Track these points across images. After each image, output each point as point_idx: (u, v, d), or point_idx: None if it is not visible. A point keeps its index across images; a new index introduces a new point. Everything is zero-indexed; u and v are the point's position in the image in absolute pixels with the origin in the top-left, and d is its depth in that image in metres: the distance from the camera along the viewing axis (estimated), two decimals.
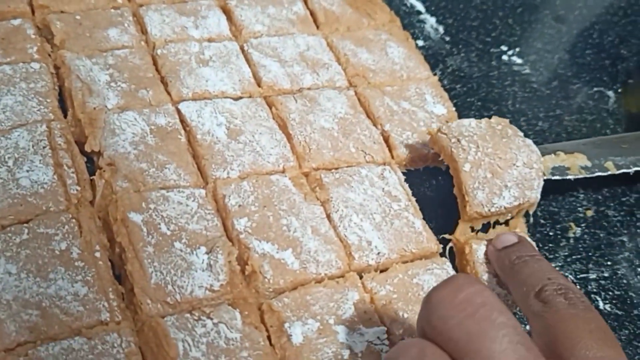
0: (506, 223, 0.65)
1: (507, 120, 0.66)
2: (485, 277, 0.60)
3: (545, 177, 0.65)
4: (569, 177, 0.67)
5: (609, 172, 0.69)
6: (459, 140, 0.62)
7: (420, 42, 0.83)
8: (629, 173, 0.69)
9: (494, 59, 0.84)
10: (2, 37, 0.65)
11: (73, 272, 0.52)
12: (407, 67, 0.76)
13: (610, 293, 0.65)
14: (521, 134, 0.65)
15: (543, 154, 0.66)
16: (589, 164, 0.69)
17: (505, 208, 0.61)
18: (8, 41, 0.65)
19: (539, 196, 0.63)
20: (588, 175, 0.68)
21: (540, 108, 0.80)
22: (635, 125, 0.80)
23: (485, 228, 0.64)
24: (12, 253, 0.52)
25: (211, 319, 0.52)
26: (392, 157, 0.68)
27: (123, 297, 0.54)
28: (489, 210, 0.61)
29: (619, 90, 0.84)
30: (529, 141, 0.65)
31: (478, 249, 0.62)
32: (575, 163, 0.68)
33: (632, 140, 0.74)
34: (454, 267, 0.62)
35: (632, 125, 0.80)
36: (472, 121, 0.64)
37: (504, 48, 0.85)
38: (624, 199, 0.73)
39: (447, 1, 0.89)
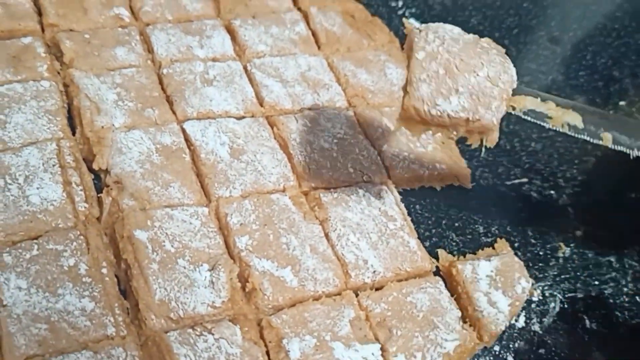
0: (492, 246, 0.67)
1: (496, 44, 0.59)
2: (476, 295, 0.63)
3: (515, 112, 0.58)
4: (544, 124, 0.60)
5: (602, 143, 0.61)
6: (426, 33, 0.55)
7: None
8: (627, 155, 0.61)
9: None
10: (13, 55, 0.67)
11: (81, 288, 0.54)
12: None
13: (597, 312, 0.67)
14: (503, 51, 0.58)
15: (531, 95, 0.60)
16: (580, 126, 0.60)
17: (448, 116, 0.54)
18: (18, 59, 0.67)
19: (495, 122, 0.56)
20: (570, 134, 0.61)
21: (534, 129, 0.82)
22: None
23: (474, 250, 0.67)
24: (22, 268, 0.54)
25: (212, 334, 0.54)
26: (389, 177, 0.70)
27: (128, 311, 0.56)
28: (429, 110, 0.54)
29: (611, 112, 0.86)
30: (510, 64, 0.57)
31: (464, 269, 0.64)
32: (563, 118, 0.60)
33: None
34: (446, 286, 0.64)
35: None
36: (456, 28, 0.58)
37: None
38: (612, 219, 0.76)
39: (446, 21, 0.91)
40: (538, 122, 0.60)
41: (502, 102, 0.55)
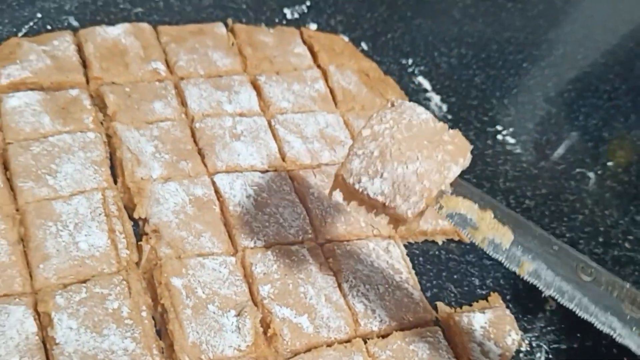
0: (486, 299, 0.75)
1: (459, 133, 0.59)
2: (471, 345, 0.70)
3: (440, 212, 0.58)
4: (464, 232, 0.58)
5: (516, 270, 0.58)
6: (385, 114, 0.57)
7: None
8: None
9: (489, 137, 0.94)
10: (62, 106, 0.74)
11: (123, 329, 0.61)
12: None
13: None
14: (466, 150, 0.58)
15: (470, 198, 0.58)
16: (505, 246, 0.58)
17: (367, 195, 0.56)
18: (67, 111, 0.74)
19: (409, 214, 0.56)
20: (487, 251, 0.58)
21: (528, 187, 0.90)
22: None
23: (469, 302, 0.74)
24: (72, 310, 0.61)
25: None
26: (396, 232, 0.77)
27: (163, 351, 0.63)
28: (353, 184, 0.57)
29: (599, 172, 0.94)
30: (456, 167, 0.57)
31: (461, 321, 0.71)
32: (489, 232, 0.58)
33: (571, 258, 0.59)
34: (444, 335, 0.71)
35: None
36: (426, 114, 0.58)
37: (499, 127, 0.95)
38: None
39: (451, 80, 0.99)
40: (459, 228, 0.58)
41: (422, 200, 0.55)
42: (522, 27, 1.12)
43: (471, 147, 0.59)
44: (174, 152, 0.75)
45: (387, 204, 0.56)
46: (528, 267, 0.58)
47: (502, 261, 0.58)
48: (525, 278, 0.58)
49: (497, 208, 0.59)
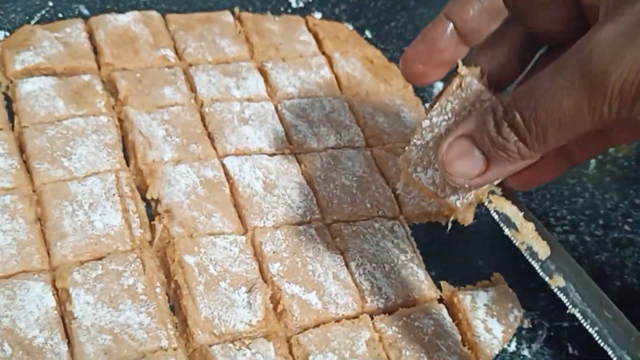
0: (489, 279, 0.77)
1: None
2: (474, 322, 0.72)
3: (487, 205, 0.62)
4: (507, 232, 0.63)
5: (548, 281, 0.64)
6: (447, 103, 0.56)
7: None
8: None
9: None
10: (75, 91, 0.76)
11: (138, 304, 0.63)
12: None
13: (579, 340, 0.76)
14: None
15: (518, 206, 0.62)
16: (542, 257, 0.63)
17: (421, 184, 0.58)
18: (80, 95, 0.76)
19: (458, 205, 0.58)
20: (525, 255, 0.63)
21: None
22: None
23: (473, 281, 0.76)
24: (89, 286, 0.63)
25: (250, 349, 0.63)
26: (401, 213, 0.79)
27: (176, 326, 0.65)
28: (411, 173, 0.58)
29: (599, 157, 0.96)
30: None
31: (465, 298, 0.73)
32: (528, 241, 0.63)
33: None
34: (449, 313, 0.73)
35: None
36: (488, 100, 0.54)
37: None
38: (596, 256, 0.85)
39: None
40: (503, 226, 0.62)
41: (470, 193, 0.57)
42: None
43: None
44: (185, 135, 0.77)
45: (438, 193, 0.57)
46: (559, 282, 0.63)
47: (536, 268, 0.62)
48: (554, 290, 0.63)
49: (538, 224, 0.63)
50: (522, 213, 0.62)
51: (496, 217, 0.62)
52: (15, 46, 0.78)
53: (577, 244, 0.85)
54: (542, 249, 0.62)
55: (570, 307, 0.63)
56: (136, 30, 0.84)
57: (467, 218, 0.62)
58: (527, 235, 0.62)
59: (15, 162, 0.69)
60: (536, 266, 0.62)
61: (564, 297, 0.63)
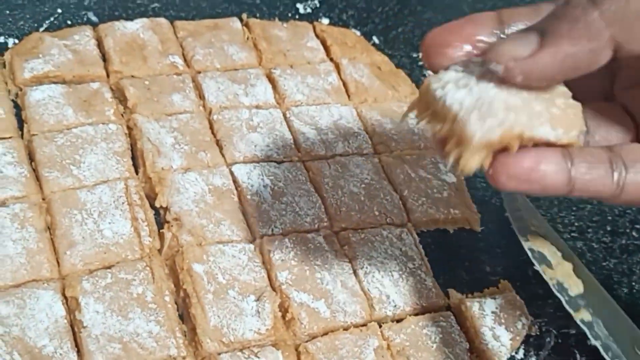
0: (497, 286, 0.77)
1: (579, 108, 0.49)
2: (482, 330, 0.72)
3: (522, 239, 0.63)
4: (538, 268, 0.63)
5: (573, 314, 0.62)
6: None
7: None
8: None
9: None
10: (84, 99, 0.76)
11: (147, 313, 0.63)
12: (425, 137, 0.87)
13: (586, 347, 0.76)
14: (565, 130, 0.48)
15: (556, 245, 0.63)
16: (572, 293, 0.62)
17: (443, 103, 0.46)
18: (89, 103, 0.76)
19: (475, 139, 0.45)
20: (553, 290, 0.62)
21: None
22: None
23: (481, 289, 0.76)
24: (99, 294, 0.63)
25: (258, 357, 0.64)
26: (409, 220, 0.79)
27: (185, 334, 0.65)
28: (435, 89, 0.47)
29: None
30: (550, 130, 0.47)
31: (472, 306, 0.73)
32: (559, 275, 0.62)
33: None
34: (456, 320, 0.73)
35: None
36: None
37: None
38: (604, 263, 0.85)
39: None
40: (535, 262, 0.62)
41: (499, 129, 0.46)
42: None
43: (580, 130, 0.49)
44: (193, 143, 0.77)
45: (459, 116, 0.46)
46: (584, 317, 0.62)
47: (562, 300, 0.62)
48: (577, 322, 0.62)
49: (578, 265, 0.62)
50: (561, 253, 0.62)
51: (530, 254, 0.62)
52: (24, 54, 0.79)
53: (584, 250, 0.85)
54: (575, 287, 0.62)
55: (592, 339, 0.63)
56: (144, 37, 0.84)
57: (470, 165, 0.47)
58: (560, 274, 0.62)
59: (25, 171, 0.70)
60: (562, 299, 0.62)
61: (587, 329, 0.62)
